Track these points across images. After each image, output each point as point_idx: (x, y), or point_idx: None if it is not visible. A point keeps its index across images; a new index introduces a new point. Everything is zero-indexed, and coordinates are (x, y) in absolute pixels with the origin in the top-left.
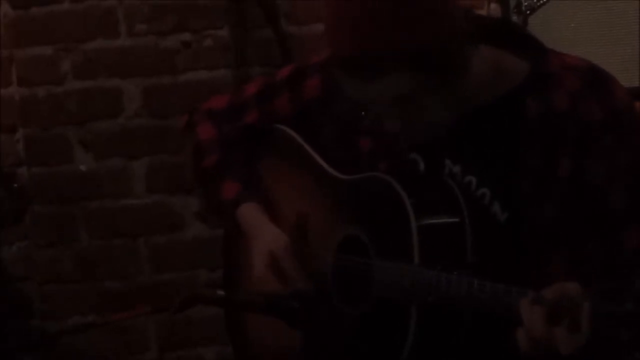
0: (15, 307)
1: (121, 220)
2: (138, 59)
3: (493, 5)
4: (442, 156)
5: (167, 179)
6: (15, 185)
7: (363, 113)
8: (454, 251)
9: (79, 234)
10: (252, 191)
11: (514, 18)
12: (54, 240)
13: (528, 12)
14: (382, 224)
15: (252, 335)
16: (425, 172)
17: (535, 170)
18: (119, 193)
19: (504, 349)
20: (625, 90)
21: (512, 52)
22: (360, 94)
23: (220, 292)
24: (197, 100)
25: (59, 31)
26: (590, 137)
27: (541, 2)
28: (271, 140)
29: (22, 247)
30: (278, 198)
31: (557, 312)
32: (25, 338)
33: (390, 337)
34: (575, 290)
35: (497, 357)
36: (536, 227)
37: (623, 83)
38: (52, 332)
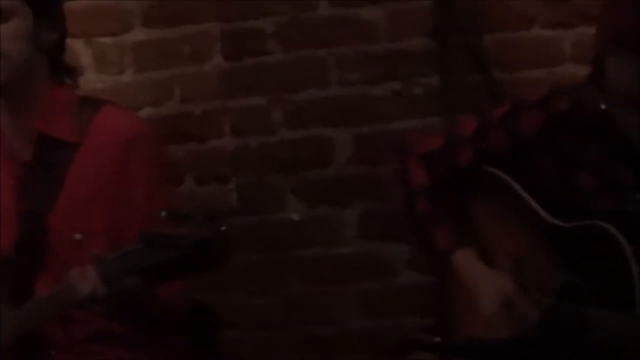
0: (226, 355)
1: (332, 267)
2: (348, 108)
3: None
4: None
5: (378, 227)
6: (223, 227)
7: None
8: None
9: (290, 281)
10: (465, 237)
11: None
12: (265, 288)
13: None
14: (601, 272)
15: None
16: None
17: None
18: (330, 241)
19: None
20: None
21: None
22: None
23: (437, 339)
24: (407, 148)
25: (271, 81)
26: None
27: None
28: (482, 181)
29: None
30: (490, 241)
31: None
32: None
33: None
34: None
35: None
36: None
37: None
38: None
